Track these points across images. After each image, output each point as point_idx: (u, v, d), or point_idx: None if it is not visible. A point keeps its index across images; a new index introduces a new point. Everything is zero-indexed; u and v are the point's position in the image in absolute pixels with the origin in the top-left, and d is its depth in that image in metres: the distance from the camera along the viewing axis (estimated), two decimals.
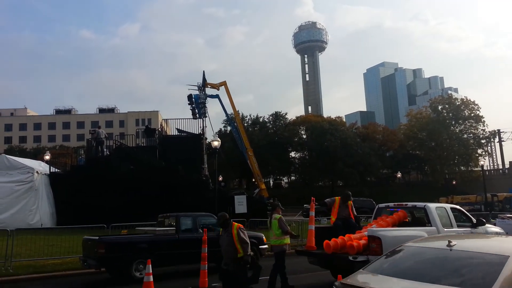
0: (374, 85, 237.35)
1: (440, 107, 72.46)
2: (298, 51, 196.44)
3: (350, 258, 8.23)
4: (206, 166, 30.27)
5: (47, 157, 27.92)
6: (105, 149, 24.38)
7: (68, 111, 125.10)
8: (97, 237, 10.60)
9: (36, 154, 79.77)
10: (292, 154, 77.10)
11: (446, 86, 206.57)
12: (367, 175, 68.69)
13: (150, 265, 9.08)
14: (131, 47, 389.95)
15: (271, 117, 75.67)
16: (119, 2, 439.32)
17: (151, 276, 8.87)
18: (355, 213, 10.76)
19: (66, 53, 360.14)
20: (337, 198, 10.59)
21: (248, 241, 7.25)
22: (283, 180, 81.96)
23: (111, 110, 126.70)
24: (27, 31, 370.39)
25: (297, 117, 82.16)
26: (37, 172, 21.27)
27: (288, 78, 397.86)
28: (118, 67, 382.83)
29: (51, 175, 22.95)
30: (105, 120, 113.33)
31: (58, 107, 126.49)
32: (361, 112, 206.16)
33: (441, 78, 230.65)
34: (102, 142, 24.42)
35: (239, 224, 7.42)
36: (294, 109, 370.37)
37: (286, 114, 77.45)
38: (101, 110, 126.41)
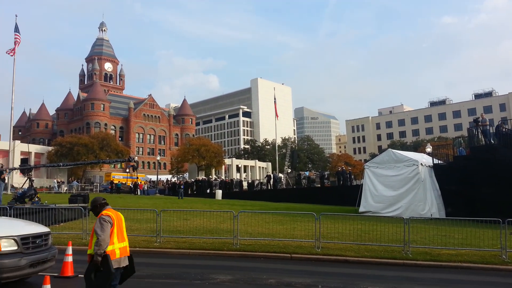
0: None
1: None
2: None
3: None
4: None
5: (428, 150, 28.91)
6: (490, 137, 22.43)
7: (442, 102, 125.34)
8: None
9: (416, 147, 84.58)
10: None
11: None
12: None
13: None
14: (501, 18, 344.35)
15: None
16: None
17: None
18: None
19: (429, 44, 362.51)
20: None
21: (104, 237, 5.41)
22: None
23: (488, 94, 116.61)
24: (392, 33, 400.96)
25: None
26: (421, 164, 22.22)
27: None
28: (488, 45, 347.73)
29: (434, 167, 23.38)
30: (482, 106, 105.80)
31: (432, 99, 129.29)
32: None
33: None
34: (485, 130, 22.63)
35: (107, 212, 5.70)
36: None
37: None
38: (477, 96, 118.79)
